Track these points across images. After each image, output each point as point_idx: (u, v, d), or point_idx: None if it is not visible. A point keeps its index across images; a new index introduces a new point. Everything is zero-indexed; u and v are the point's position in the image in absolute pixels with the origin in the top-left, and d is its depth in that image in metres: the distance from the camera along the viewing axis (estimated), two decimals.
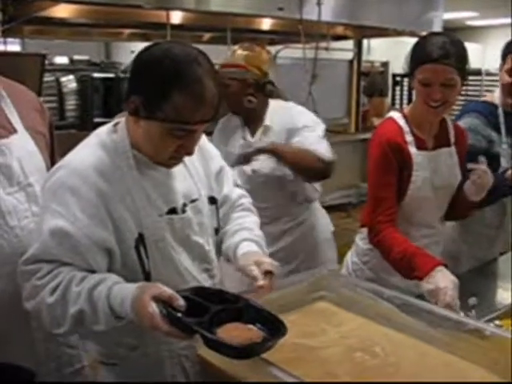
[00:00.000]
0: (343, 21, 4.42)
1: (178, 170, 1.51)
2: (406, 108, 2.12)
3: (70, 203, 1.35)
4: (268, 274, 1.42)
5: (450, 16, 6.01)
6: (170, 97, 1.32)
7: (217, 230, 1.63)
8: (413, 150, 1.99)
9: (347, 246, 2.29)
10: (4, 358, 1.35)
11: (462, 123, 2.29)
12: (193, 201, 1.54)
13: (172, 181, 1.51)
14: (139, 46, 6.85)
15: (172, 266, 1.48)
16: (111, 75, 7.31)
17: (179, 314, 1.22)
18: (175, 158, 1.45)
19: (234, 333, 1.22)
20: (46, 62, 6.87)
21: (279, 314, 1.29)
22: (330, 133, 4.69)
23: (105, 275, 1.36)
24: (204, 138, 1.63)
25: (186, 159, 1.52)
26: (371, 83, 7.26)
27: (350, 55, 5.43)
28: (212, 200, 1.61)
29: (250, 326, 1.27)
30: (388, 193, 1.96)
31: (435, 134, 2.07)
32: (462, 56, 1.92)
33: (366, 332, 1.38)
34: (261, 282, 1.40)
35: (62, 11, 3.83)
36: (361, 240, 2.17)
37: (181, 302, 1.23)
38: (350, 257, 2.22)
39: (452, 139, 2.11)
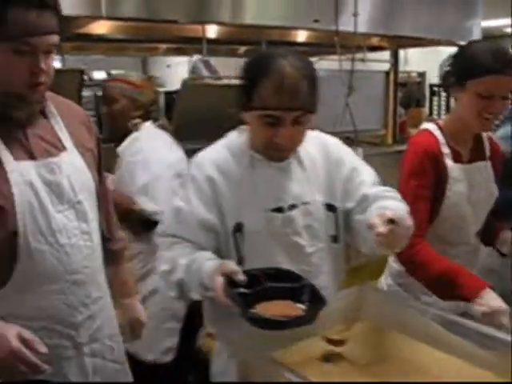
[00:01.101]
0: (379, 31, 4.37)
1: (295, 172, 1.61)
2: (441, 120, 2.05)
3: (188, 188, 1.61)
4: (390, 222, 1.35)
5: (488, 24, 5.89)
6: (257, 86, 1.48)
7: (335, 238, 1.63)
8: (449, 162, 1.92)
9: (381, 265, 2.20)
10: (55, 373, 1.45)
11: (502, 131, 2.22)
12: (304, 203, 1.59)
13: (285, 181, 1.60)
14: (175, 60, 6.97)
15: (263, 260, 1.54)
16: None
17: (242, 290, 1.34)
18: (277, 150, 1.54)
19: (274, 307, 1.29)
20: (85, 77, 6.99)
21: (320, 334, 1.26)
22: (367, 145, 4.65)
23: (203, 252, 1.56)
24: (335, 143, 1.68)
25: (308, 163, 1.61)
26: (408, 94, 7.18)
27: (386, 66, 5.36)
28: (330, 207, 1.62)
29: (297, 307, 1.30)
30: (422, 205, 1.85)
31: (471, 147, 2.00)
32: None
33: (412, 353, 1.33)
34: (380, 229, 1.33)
35: (100, 28, 3.89)
36: (394, 262, 2.08)
37: (240, 277, 1.36)
38: (385, 279, 2.13)
39: (487, 153, 2.03)
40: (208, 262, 1.50)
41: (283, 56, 1.50)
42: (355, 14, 3.85)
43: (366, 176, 1.67)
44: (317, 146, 1.67)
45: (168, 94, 7.32)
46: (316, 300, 1.32)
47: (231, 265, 1.42)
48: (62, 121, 1.59)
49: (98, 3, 3.02)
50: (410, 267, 1.86)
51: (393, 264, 2.09)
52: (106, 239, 1.79)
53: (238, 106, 1.57)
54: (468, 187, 1.92)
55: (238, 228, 1.58)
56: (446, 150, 1.93)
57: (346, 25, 3.89)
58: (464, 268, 1.79)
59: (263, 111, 1.48)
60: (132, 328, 1.92)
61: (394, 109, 5.46)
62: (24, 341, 1.35)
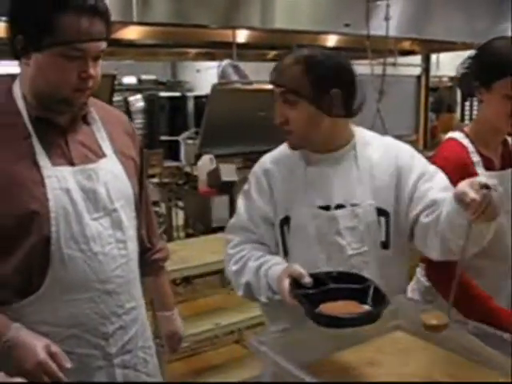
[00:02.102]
0: (411, 35, 4.34)
1: (348, 172, 1.62)
2: (469, 126, 1.94)
3: (251, 183, 1.72)
4: (483, 188, 1.28)
5: None
6: None
7: (385, 244, 1.61)
8: (480, 170, 1.81)
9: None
10: (84, 383, 1.46)
11: None
12: (353, 205, 1.60)
13: (337, 181, 1.62)
14: (204, 65, 7.00)
15: (304, 254, 1.60)
16: (177, 94, 7.47)
17: (312, 291, 1.37)
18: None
19: (338, 307, 1.31)
20: (116, 82, 7.07)
21: (354, 346, 1.24)
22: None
23: (272, 257, 1.62)
24: (405, 150, 1.66)
25: (365, 166, 1.61)
26: (439, 99, 7.10)
27: (417, 70, 5.30)
28: (382, 212, 1.60)
29: (361, 307, 1.32)
30: None
31: (501, 153, 1.90)
32: None
33: (447, 365, 1.29)
34: (472, 195, 1.26)
35: (130, 33, 3.92)
36: (423, 276, 1.96)
37: (306, 280, 1.40)
38: (411, 294, 1.98)
39: None
40: (276, 266, 1.55)
41: (299, 49, 1.60)
42: (387, 18, 3.81)
43: (436, 183, 1.61)
44: (382, 151, 1.65)
45: (197, 98, 7.41)
46: (379, 300, 1.33)
47: (297, 267, 1.44)
48: (103, 128, 1.58)
49: (130, 9, 3.05)
50: (440, 286, 1.77)
51: (421, 278, 1.98)
52: (147, 249, 1.77)
53: None
54: (502, 195, 1.84)
55: (286, 221, 1.64)
56: (476, 158, 1.84)
57: (377, 29, 3.86)
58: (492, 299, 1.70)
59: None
60: (170, 341, 1.88)
61: (426, 114, 5.40)
62: (51, 354, 1.35)
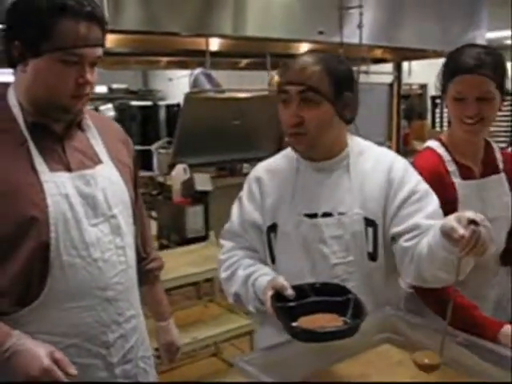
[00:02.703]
0: (383, 43, 4.35)
1: (338, 181, 1.60)
2: (444, 134, 1.91)
3: (244, 190, 1.73)
4: (471, 223, 1.25)
5: (493, 35, 5.87)
6: None
7: (372, 256, 1.57)
8: (457, 180, 1.78)
9: None
10: None
11: None
12: (340, 213, 1.58)
13: (325, 189, 1.60)
14: (176, 73, 6.95)
15: (289, 261, 1.60)
16: (149, 103, 7.41)
17: (292, 304, 1.37)
18: (292, 135, 1.57)
19: (316, 321, 1.30)
20: None
21: (342, 361, 1.20)
22: None
23: (260, 266, 1.63)
24: (399, 164, 1.62)
25: (356, 175, 1.59)
26: (410, 106, 7.17)
27: (389, 78, 5.33)
28: (370, 222, 1.57)
29: (339, 319, 1.31)
30: None
31: (482, 160, 1.86)
32: (500, 67, 1.72)
33: (438, 378, 1.26)
34: (460, 231, 1.24)
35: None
36: (405, 283, 1.88)
37: (289, 292, 1.40)
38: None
39: (500, 165, 1.89)
40: (263, 277, 1.56)
41: (312, 52, 1.67)
42: (360, 26, 3.81)
43: (424, 206, 1.56)
44: (374, 161, 1.61)
45: (169, 107, 7.35)
46: (360, 313, 1.31)
47: (281, 279, 1.45)
48: (99, 135, 1.59)
49: None
50: (424, 294, 1.74)
51: (402, 285, 1.88)
52: (141, 258, 1.76)
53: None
54: (481, 204, 1.78)
55: (273, 228, 1.64)
56: (451, 167, 1.80)
57: (350, 37, 3.86)
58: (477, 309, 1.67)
59: (278, 91, 1.58)
60: (167, 352, 1.87)
61: (398, 121, 5.43)
62: (55, 360, 1.33)
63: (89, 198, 1.48)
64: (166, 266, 1.91)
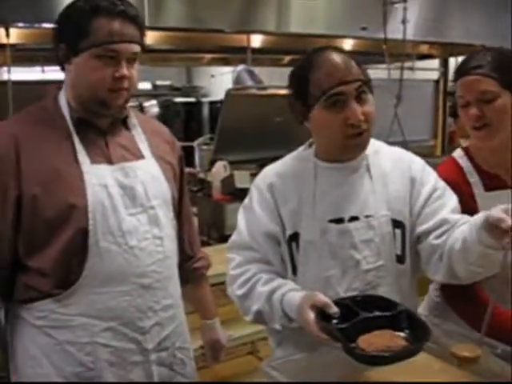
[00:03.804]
0: (429, 39, 4.26)
1: (360, 183, 1.54)
2: (471, 142, 1.79)
3: (253, 197, 1.59)
4: None
5: None
6: (310, 80, 1.47)
7: (400, 258, 1.52)
8: (478, 191, 1.68)
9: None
10: (122, 377, 1.52)
11: None
12: (367, 216, 1.51)
13: (348, 192, 1.53)
14: (220, 70, 6.97)
15: (315, 270, 1.51)
16: (192, 99, 7.44)
17: (334, 321, 1.28)
18: (354, 135, 1.46)
19: (376, 340, 1.23)
20: None
21: (371, 369, 1.19)
22: (417, 155, 4.52)
23: (284, 281, 1.51)
24: (417, 162, 1.59)
25: (377, 175, 1.53)
26: (456, 103, 6.99)
27: (435, 75, 5.22)
28: (397, 223, 1.52)
29: (398, 334, 1.25)
30: None
31: None
32: (504, 65, 1.60)
33: None
34: (509, 222, 1.20)
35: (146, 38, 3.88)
36: (434, 291, 1.84)
37: (333, 310, 1.30)
38: (422, 311, 1.83)
39: None
40: (291, 293, 1.45)
41: (322, 49, 1.50)
42: (404, 21, 3.73)
43: (448, 200, 1.54)
44: (394, 160, 1.58)
45: (212, 103, 7.36)
46: (415, 325, 1.27)
47: (322, 297, 1.33)
48: (143, 133, 1.64)
49: (142, 13, 2.99)
50: (454, 303, 1.68)
51: (432, 294, 1.86)
52: (188, 257, 1.80)
53: (297, 121, 1.54)
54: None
55: (294, 237, 1.54)
56: (473, 178, 1.70)
57: (394, 32, 3.79)
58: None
59: (326, 95, 1.43)
60: (212, 350, 1.90)
61: (444, 119, 5.32)
62: None
63: (127, 189, 1.54)
64: None
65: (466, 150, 1.76)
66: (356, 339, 1.24)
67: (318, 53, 1.49)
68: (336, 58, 1.46)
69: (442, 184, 1.57)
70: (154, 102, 6.90)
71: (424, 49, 4.83)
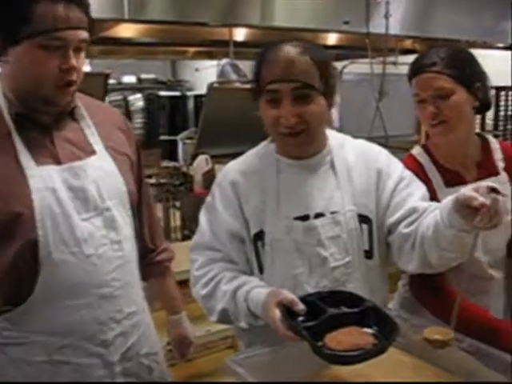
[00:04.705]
0: (412, 33, 4.24)
1: (325, 179, 1.52)
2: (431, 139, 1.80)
3: (216, 196, 1.56)
4: (491, 192, 1.20)
5: None
6: (260, 72, 1.46)
7: (368, 253, 1.51)
8: (438, 188, 1.68)
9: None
10: None
11: None
12: (333, 212, 1.49)
13: (313, 188, 1.51)
14: (204, 64, 6.95)
15: (282, 269, 1.49)
16: (177, 93, 7.43)
17: (301, 318, 1.27)
18: (287, 135, 1.44)
19: (344, 337, 1.21)
20: (115, 81, 7.07)
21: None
22: (399, 150, 4.53)
23: (248, 278, 1.50)
24: (380, 153, 1.58)
25: (342, 170, 1.51)
26: None
27: None
28: (363, 218, 1.50)
29: (365, 331, 1.25)
30: None
31: (478, 162, 1.73)
32: (457, 61, 1.62)
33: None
34: (481, 199, 1.18)
35: (126, 31, 3.85)
36: (402, 287, 1.85)
37: (300, 307, 1.29)
38: (391, 306, 1.82)
39: (500, 164, 1.74)
40: (256, 289, 1.43)
41: (286, 41, 1.46)
42: (387, 16, 3.72)
43: (415, 189, 1.54)
44: (357, 154, 1.57)
45: (197, 97, 7.35)
46: (383, 321, 1.25)
47: (288, 294, 1.32)
48: (93, 123, 1.51)
49: (121, 6, 2.97)
50: (426, 299, 1.67)
51: (401, 290, 1.87)
52: (150, 250, 1.72)
53: (255, 108, 1.51)
54: (507, 201, 1.58)
55: (260, 236, 1.51)
56: (433, 174, 1.70)
57: (377, 27, 3.77)
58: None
59: (264, 89, 1.43)
60: (179, 346, 1.82)
61: None
62: None
63: (79, 192, 1.41)
64: (183, 258, 1.86)
65: (425, 147, 1.77)
66: (323, 337, 1.22)
67: (276, 45, 1.46)
68: (283, 54, 1.42)
69: (408, 174, 1.57)
70: (138, 95, 6.90)
71: (407, 44, 4.81)
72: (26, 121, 1.40)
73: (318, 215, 1.49)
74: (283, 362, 1.22)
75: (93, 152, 1.47)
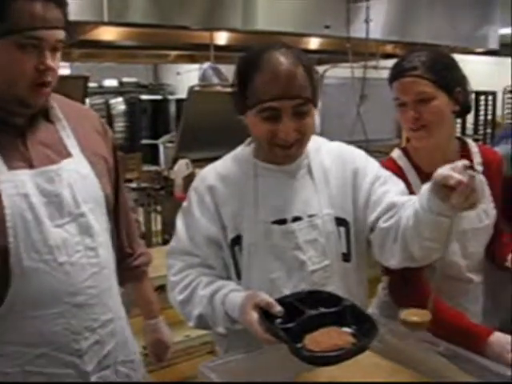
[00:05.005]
0: (393, 38, 4.28)
1: (302, 182, 1.51)
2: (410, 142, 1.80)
3: (192, 200, 1.53)
4: (467, 169, 1.20)
5: (506, 31, 5.76)
6: (251, 81, 1.40)
7: (346, 256, 1.50)
8: (418, 191, 1.57)
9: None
10: None
11: (498, 150, 1.96)
12: (310, 216, 1.48)
13: (290, 192, 1.50)
14: (186, 67, 6.94)
15: (260, 273, 1.47)
16: (159, 97, 7.41)
17: (278, 320, 1.26)
18: (283, 148, 1.43)
19: (323, 338, 1.20)
20: (96, 84, 7.03)
21: (316, 369, 1.16)
22: (380, 154, 4.54)
23: (225, 282, 1.48)
24: (354, 153, 1.57)
25: (318, 174, 1.51)
26: None
27: None
28: (341, 221, 1.49)
29: (344, 330, 1.24)
30: None
31: None
32: (438, 65, 1.62)
33: None
34: (457, 176, 1.17)
35: (107, 34, 3.82)
36: (382, 290, 1.85)
37: (277, 309, 1.27)
38: (371, 309, 1.83)
39: (479, 168, 1.73)
40: (233, 293, 1.42)
41: (275, 48, 1.42)
42: (367, 20, 3.74)
43: (392, 186, 1.53)
44: (332, 156, 1.56)
45: (179, 101, 7.33)
46: (361, 320, 1.25)
47: (264, 296, 1.31)
48: (68, 125, 1.46)
49: (100, 8, 2.95)
50: (402, 302, 1.67)
51: (381, 293, 1.87)
52: (127, 254, 1.68)
53: (236, 111, 1.47)
54: (483, 183, 1.68)
55: (237, 240, 1.48)
56: (412, 178, 1.69)
57: (358, 31, 3.79)
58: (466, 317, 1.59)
59: (261, 105, 1.38)
60: (156, 351, 1.79)
61: None
62: None
63: (52, 197, 1.36)
64: (162, 262, 1.84)
65: (404, 150, 1.77)
66: (302, 338, 1.21)
67: (269, 51, 1.41)
68: (282, 68, 1.37)
69: (385, 172, 1.56)
70: (120, 99, 6.85)
71: (389, 48, 4.85)
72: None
73: (296, 219, 1.48)
74: (259, 368, 1.19)
75: (68, 155, 1.43)
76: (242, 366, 1.19)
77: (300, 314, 1.27)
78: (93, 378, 1.42)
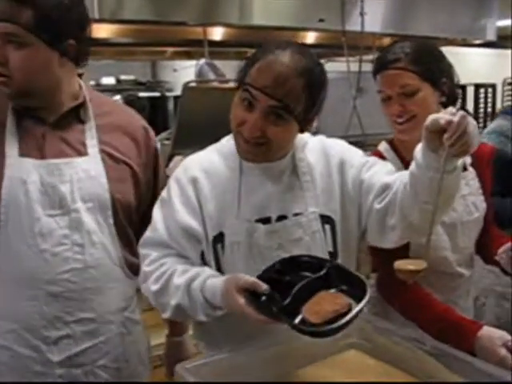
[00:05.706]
0: (389, 31, 4.23)
1: (287, 180, 1.49)
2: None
3: (172, 191, 1.49)
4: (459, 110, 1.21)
5: (505, 23, 5.73)
6: (250, 68, 1.40)
7: (332, 255, 1.48)
8: None
9: None
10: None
11: (493, 125, 1.96)
12: (295, 214, 1.45)
13: (275, 190, 1.48)
14: (183, 64, 6.92)
15: (243, 272, 1.41)
16: (157, 94, 7.39)
17: (263, 298, 1.23)
18: (244, 141, 1.40)
19: (319, 307, 1.18)
20: (94, 82, 7.01)
21: (305, 366, 1.12)
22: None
23: (201, 269, 1.44)
24: (337, 146, 1.56)
25: (303, 172, 1.48)
26: None
27: None
28: (327, 219, 1.47)
29: (337, 295, 1.22)
30: None
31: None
32: (422, 56, 1.61)
33: None
34: (447, 117, 1.18)
35: (101, 31, 3.79)
36: (371, 287, 1.78)
37: (263, 287, 1.25)
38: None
39: (467, 160, 1.73)
40: (211, 280, 1.39)
41: (293, 50, 1.40)
42: (362, 13, 3.70)
43: (380, 167, 1.52)
44: (316, 152, 1.55)
45: (177, 98, 7.31)
46: (347, 278, 1.25)
47: (247, 278, 1.29)
48: (95, 126, 1.52)
49: (91, 5, 2.92)
50: (391, 298, 1.66)
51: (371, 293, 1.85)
52: None
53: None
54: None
55: (219, 238, 1.47)
56: (399, 170, 1.64)
57: (353, 25, 3.75)
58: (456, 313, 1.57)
59: (244, 86, 1.39)
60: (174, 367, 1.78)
61: None
62: None
63: (48, 188, 1.43)
64: None
65: (391, 143, 1.75)
66: (296, 310, 1.19)
67: (284, 50, 1.39)
68: (278, 68, 1.36)
69: (369, 158, 1.55)
70: (117, 97, 6.81)
71: (385, 41, 4.80)
72: (27, 115, 1.47)
73: (281, 218, 1.46)
74: (240, 368, 1.17)
75: (85, 153, 1.49)
76: (222, 367, 1.18)
77: (285, 286, 1.24)
78: (59, 371, 1.45)
